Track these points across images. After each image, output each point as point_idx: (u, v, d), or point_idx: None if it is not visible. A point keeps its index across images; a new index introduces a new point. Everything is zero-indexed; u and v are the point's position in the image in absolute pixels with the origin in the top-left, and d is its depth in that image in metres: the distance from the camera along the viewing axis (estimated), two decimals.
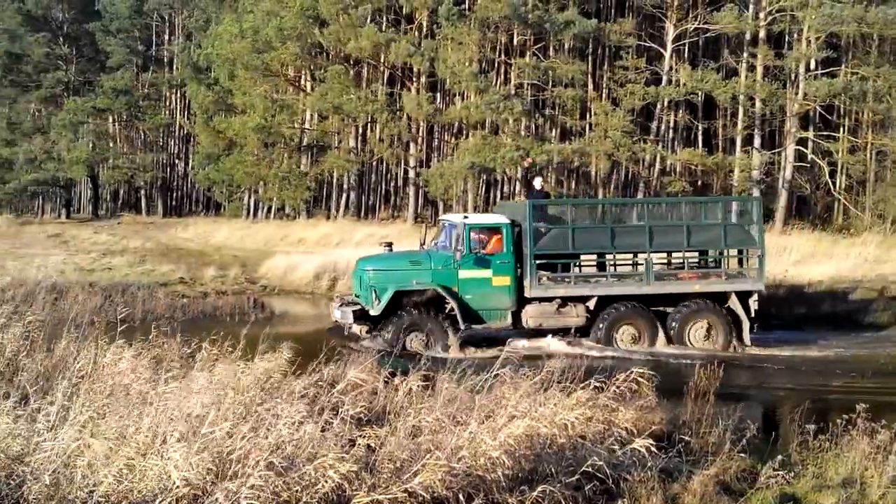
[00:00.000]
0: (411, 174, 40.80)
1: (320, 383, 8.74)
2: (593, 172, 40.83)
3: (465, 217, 16.20)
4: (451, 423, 7.25)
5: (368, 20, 39.25)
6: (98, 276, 24.39)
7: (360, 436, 6.84)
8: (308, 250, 31.20)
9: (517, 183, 39.81)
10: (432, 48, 37.47)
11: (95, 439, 6.45)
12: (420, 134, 40.43)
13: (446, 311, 15.05)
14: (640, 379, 8.79)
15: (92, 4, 60.19)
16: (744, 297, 15.60)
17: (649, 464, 7.04)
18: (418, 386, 8.44)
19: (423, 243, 16.36)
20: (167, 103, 59.76)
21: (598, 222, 16.08)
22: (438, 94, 40.94)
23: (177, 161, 61.02)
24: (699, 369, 9.77)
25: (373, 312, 14.94)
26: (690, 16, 38.19)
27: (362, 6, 38.26)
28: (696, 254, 16.55)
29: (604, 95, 40.92)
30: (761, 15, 36.38)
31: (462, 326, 14.96)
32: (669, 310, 15.59)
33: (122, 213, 61.12)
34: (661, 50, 38.94)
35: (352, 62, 41.78)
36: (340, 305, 15.85)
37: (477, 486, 6.22)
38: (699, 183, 40.83)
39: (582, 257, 16.56)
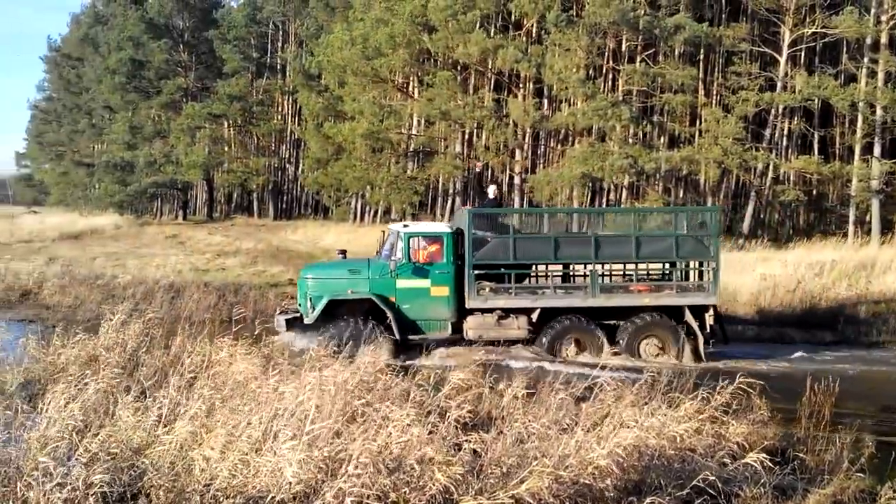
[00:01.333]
0: (516, 180, 40.76)
1: (421, 384, 8.84)
2: (702, 181, 39.99)
3: (406, 225, 15.80)
4: (557, 431, 7.23)
5: (477, 26, 39.43)
6: (212, 276, 25.24)
7: (466, 440, 6.88)
8: None
9: (623, 190, 39.42)
10: (539, 54, 37.36)
11: (211, 434, 6.67)
12: (525, 140, 40.35)
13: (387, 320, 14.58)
14: (750, 391, 8.57)
15: (211, 13, 62.39)
16: (700, 311, 14.95)
17: (763, 480, 6.86)
18: (523, 393, 8.45)
19: (379, 252, 15.82)
20: (279, 109, 61.29)
21: (549, 231, 15.83)
22: (544, 101, 40.78)
23: (287, 165, 62.51)
24: (810, 385, 9.45)
25: (306, 321, 14.70)
26: (808, 20, 36.92)
27: (471, 13, 38.44)
28: (658, 265, 16.08)
29: (715, 102, 40.04)
30: (883, 19, 34.92)
31: (397, 336, 14.49)
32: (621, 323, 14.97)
33: (235, 215, 63.02)
34: (776, 55, 37.79)
35: (459, 68, 42.04)
36: (280, 313, 15.68)
37: (584, 494, 6.20)
38: (814, 192, 39.51)
39: (543, 269, 16.21)
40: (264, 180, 58.58)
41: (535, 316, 14.82)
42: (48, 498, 5.36)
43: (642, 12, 35.65)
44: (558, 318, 14.81)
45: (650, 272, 16.14)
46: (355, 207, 51.20)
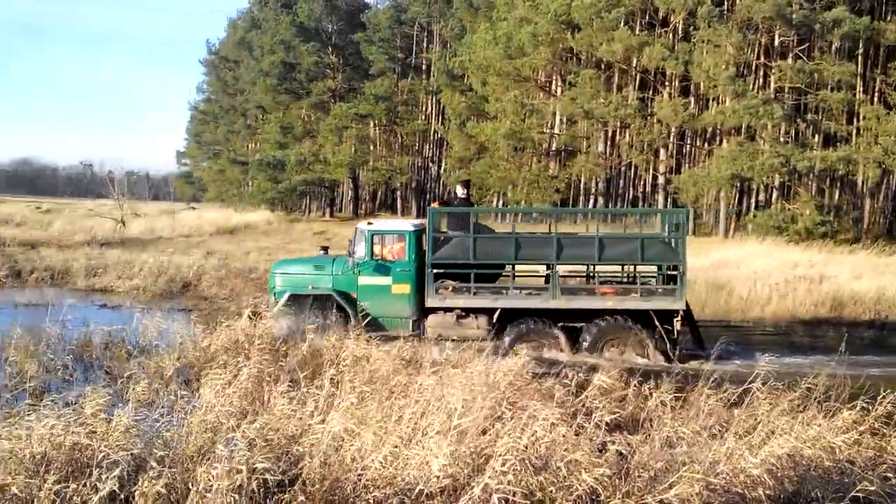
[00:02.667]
0: (661, 180, 39.99)
1: (565, 383, 8.83)
2: (860, 181, 38.13)
3: (370, 223, 15.62)
4: (707, 437, 7.11)
5: (621, 24, 38.93)
6: None
7: (611, 441, 6.86)
8: None
9: (773, 191, 38.02)
10: (686, 51, 36.56)
11: (363, 426, 6.89)
12: (670, 139, 39.53)
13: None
14: None
15: (357, 16, 63.93)
16: (668, 315, 14.18)
17: None
18: (671, 396, 8.34)
19: (352, 252, 15.38)
20: (423, 109, 62.20)
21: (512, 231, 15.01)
22: (691, 99, 39.83)
23: (430, 164, 63.38)
24: None
25: (269, 314, 14.61)
26: None
27: (615, 10, 38.00)
28: (629, 268, 15.38)
29: (875, 99, 38.09)
30: None
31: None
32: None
33: (380, 212, 64.33)
34: None
35: (603, 66, 41.59)
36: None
37: (736, 503, 6.07)
38: None
39: (521, 269, 15.67)
40: (408, 178, 59.64)
41: (495, 316, 14.46)
42: (214, 481, 5.65)
43: (798, 7, 34.29)
44: (519, 319, 14.43)
45: (641, 274, 15.46)
46: (496, 206, 51.42)
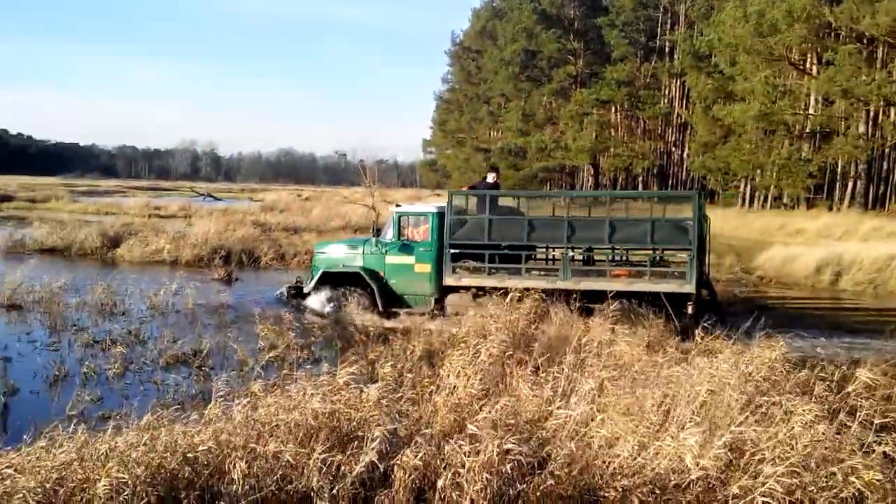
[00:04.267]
0: None
1: (822, 377, 8.36)
2: None
3: (398, 205, 16.33)
4: None
5: None
6: None
7: (877, 441, 6.44)
8: (807, 242, 29.63)
9: None
10: None
11: (608, 413, 6.88)
12: None
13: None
14: None
15: (599, 1, 63.35)
16: (680, 298, 13.87)
17: None
18: None
19: (378, 231, 16.23)
20: (666, 92, 60.69)
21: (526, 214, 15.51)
22: None
23: (673, 149, 61.77)
24: None
25: (305, 290, 16.23)
26: None
27: None
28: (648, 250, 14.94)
29: None
30: None
31: (380, 308, 15.29)
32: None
33: None
34: None
35: (865, 41, 38.63)
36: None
37: None
38: None
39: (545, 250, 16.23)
40: (649, 164, 58.49)
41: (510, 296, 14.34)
42: (467, 458, 5.88)
43: None
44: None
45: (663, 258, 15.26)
46: (743, 192, 49.24)
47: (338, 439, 6.32)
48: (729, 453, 6.10)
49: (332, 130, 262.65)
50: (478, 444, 5.94)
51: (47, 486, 5.14)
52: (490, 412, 6.85)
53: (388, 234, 15.86)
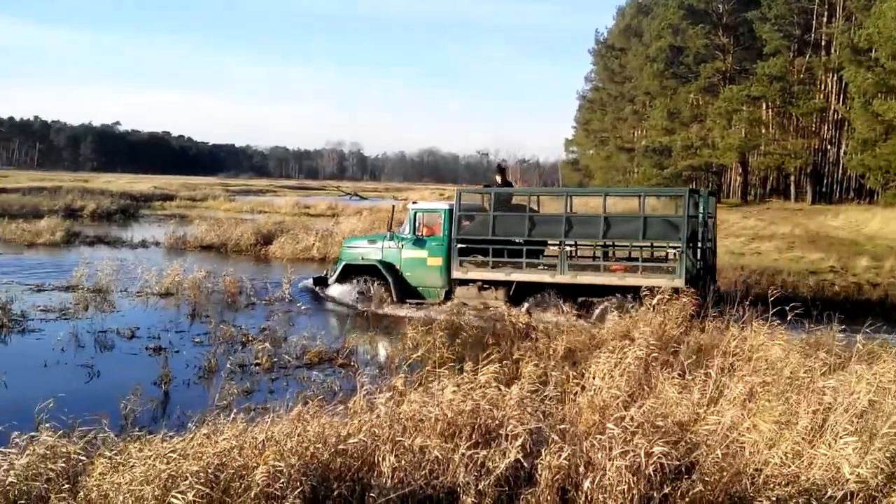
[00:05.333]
0: None
1: None
2: None
3: (414, 202, 18.00)
4: None
5: None
6: (747, 260, 24.97)
7: None
8: None
9: None
10: None
11: (760, 419, 6.67)
12: None
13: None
14: None
15: None
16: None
17: None
18: None
19: (389, 227, 17.75)
20: (821, 88, 58.03)
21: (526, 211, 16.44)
22: None
23: (829, 146, 59.00)
24: None
25: (329, 281, 17.79)
26: None
27: None
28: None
29: None
30: None
31: (395, 299, 16.55)
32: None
33: (770, 198, 61.32)
34: None
35: None
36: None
37: None
38: None
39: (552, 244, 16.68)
40: (803, 162, 56.03)
41: (511, 289, 15.88)
42: (612, 460, 5.82)
43: None
44: (533, 293, 15.62)
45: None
46: None
47: (480, 436, 6.38)
48: (890, 464, 5.81)
49: (475, 130, 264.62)
50: (624, 446, 5.88)
51: (209, 471, 5.41)
52: (636, 414, 6.77)
53: (405, 230, 17.06)
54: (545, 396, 7.47)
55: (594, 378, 8.02)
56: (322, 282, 18.27)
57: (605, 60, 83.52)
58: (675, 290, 14.07)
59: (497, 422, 6.57)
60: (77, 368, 11.17)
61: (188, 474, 5.26)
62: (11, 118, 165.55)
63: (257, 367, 11.15)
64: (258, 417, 6.70)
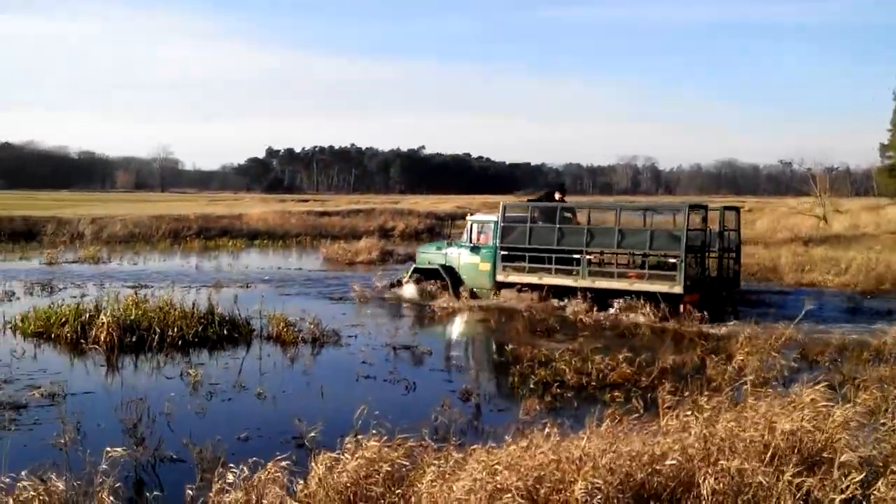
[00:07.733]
0: None
1: None
2: None
3: (472, 214, 21.24)
4: None
5: None
6: None
7: None
8: None
9: None
10: None
11: None
12: None
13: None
14: None
15: None
16: (674, 297, 16.90)
17: None
18: None
19: (450, 236, 21.47)
20: None
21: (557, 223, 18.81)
22: None
23: None
24: None
25: (403, 283, 20.74)
26: None
27: None
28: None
29: None
30: None
31: (454, 296, 19.56)
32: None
33: None
34: None
35: None
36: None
37: None
38: None
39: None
40: None
41: (545, 292, 18.46)
42: None
43: None
44: (565, 296, 18.26)
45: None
46: None
47: (800, 460, 5.98)
48: None
49: (776, 139, 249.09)
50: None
51: (528, 483, 5.52)
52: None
53: (465, 239, 20.02)
54: (877, 421, 6.97)
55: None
56: (399, 283, 21.04)
57: None
58: (677, 296, 16.84)
59: (820, 445, 6.17)
60: (383, 382, 11.75)
61: (511, 487, 5.39)
62: (331, 146, 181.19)
63: (559, 386, 11.23)
64: (570, 433, 6.70)
